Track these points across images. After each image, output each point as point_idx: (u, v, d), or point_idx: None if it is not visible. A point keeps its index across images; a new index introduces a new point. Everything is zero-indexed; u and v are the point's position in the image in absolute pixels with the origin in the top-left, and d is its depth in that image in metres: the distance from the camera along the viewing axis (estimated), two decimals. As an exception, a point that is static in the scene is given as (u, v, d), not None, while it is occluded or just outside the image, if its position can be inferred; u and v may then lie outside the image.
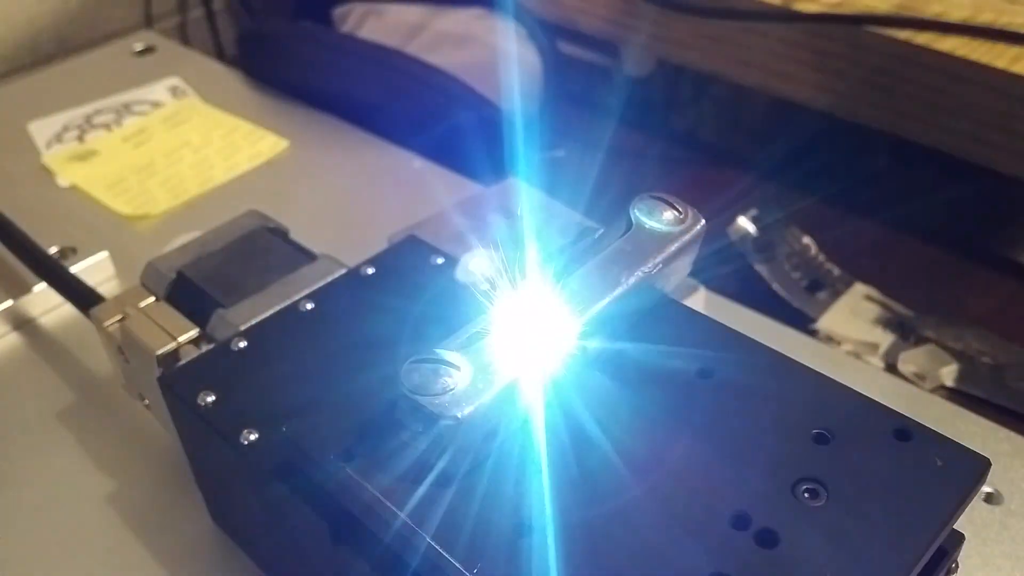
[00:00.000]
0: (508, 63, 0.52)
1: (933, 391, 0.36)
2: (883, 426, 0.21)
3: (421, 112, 0.49)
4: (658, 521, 0.20)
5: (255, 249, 0.32)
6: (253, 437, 0.24)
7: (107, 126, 0.52)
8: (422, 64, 0.50)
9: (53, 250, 0.41)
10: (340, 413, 0.22)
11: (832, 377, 0.23)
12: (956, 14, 0.44)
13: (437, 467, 0.20)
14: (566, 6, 0.56)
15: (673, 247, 0.24)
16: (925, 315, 0.40)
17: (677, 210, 0.25)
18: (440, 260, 0.29)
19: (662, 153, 0.53)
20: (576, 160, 0.48)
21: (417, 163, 0.47)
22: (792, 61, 0.47)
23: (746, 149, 0.55)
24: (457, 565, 0.19)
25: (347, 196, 0.46)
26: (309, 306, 0.28)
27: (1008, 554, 0.28)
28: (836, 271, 0.43)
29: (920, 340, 0.39)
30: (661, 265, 0.24)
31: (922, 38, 0.43)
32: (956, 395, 0.36)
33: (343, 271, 0.30)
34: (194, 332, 0.29)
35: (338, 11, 0.58)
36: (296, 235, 0.33)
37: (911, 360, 0.38)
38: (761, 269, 0.43)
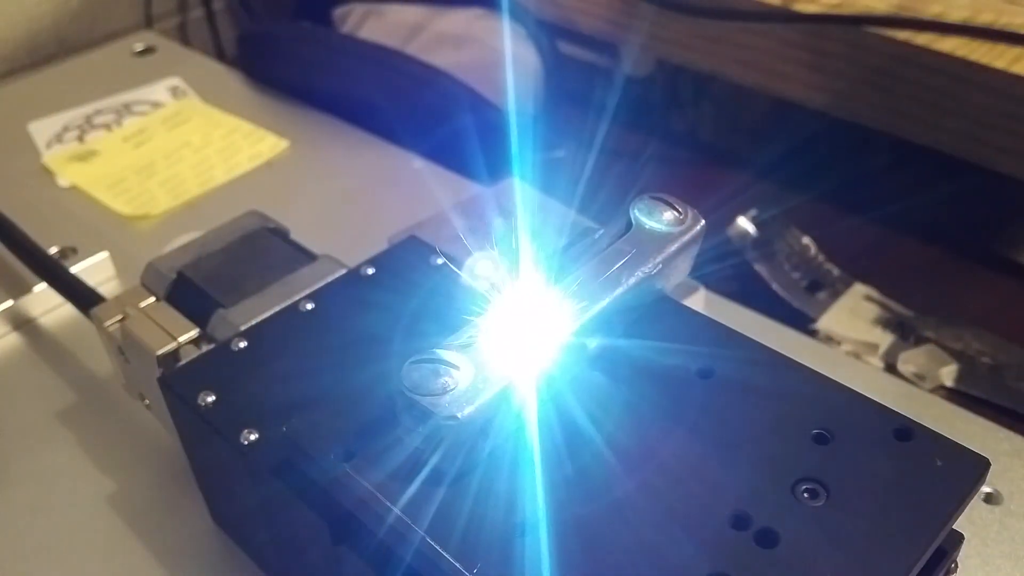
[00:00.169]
0: (507, 63, 0.52)
1: (933, 391, 0.36)
2: (883, 426, 0.21)
3: (421, 112, 0.49)
4: (658, 521, 0.20)
5: (255, 249, 0.32)
6: (253, 437, 0.24)
7: (107, 126, 0.52)
8: (422, 64, 0.50)
9: (53, 250, 0.41)
10: (340, 413, 0.22)
11: (832, 377, 0.23)
12: (956, 14, 0.44)
13: (437, 467, 0.20)
14: (565, 6, 0.55)
15: (673, 247, 0.24)
16: (925, 315, 0.40)
17: (677, 210, 0.25)
18: (440, 260, 0.29)
19: (662, 153, 0.53)
20: (576, 160, 0.48)
21: (417, 163, 0.47)
22: (792, 61, 0.47)
23: (746, 149, 0.55)
24: (457, 564, 0.19)
25: (347, 196, 0.46)
26: (309, 306, 0.28)
27: (1008, 554, 0.28)
28: (836, 271, 0.43)
29: (920, 340, 0.39)
30: (661, 265, 0.24)
31: (922, 38, 0.43)
32: (956, 395, 0.36)
33: (343, 271, 0.30)
34: (194, 332, 0.29)
35: (338, 11, 0.58)
36: (296, 235, 0.33)
37: (911, 360, 0.38)
38: (761, 269, 0.43)
